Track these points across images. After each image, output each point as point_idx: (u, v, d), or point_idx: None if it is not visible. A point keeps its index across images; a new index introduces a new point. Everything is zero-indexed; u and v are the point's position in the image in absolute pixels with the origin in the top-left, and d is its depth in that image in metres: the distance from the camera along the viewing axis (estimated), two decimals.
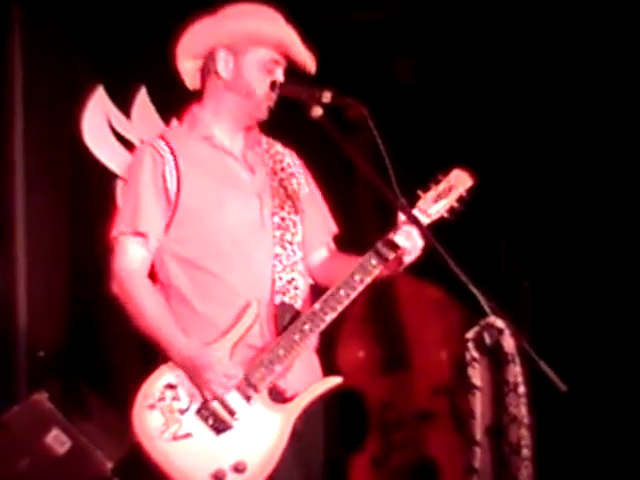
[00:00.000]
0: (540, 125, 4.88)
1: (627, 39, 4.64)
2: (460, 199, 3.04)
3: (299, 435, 3.00)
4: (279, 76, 3.10)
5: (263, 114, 3.11)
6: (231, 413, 2.93)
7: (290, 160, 3.24)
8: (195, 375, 2.93)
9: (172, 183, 3.03)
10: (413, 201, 3.00)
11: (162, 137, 3.11)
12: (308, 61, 3.13)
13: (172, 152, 3.05)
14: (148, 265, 3.06)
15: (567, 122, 4.83)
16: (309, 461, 3.10)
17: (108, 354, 4.88)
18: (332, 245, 3.28)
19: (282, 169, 3.19)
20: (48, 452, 4.09)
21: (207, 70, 3.13)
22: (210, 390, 2.92)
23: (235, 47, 3.08)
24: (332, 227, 3.30)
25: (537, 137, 4.90)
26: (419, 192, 3.02)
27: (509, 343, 3.63)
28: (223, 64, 3.09)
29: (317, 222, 3.23)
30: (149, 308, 2.99)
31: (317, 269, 3.22)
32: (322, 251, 3.24)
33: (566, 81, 4.80)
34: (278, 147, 3.25)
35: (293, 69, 3.16)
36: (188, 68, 3.16)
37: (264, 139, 3.23)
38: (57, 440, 4.09)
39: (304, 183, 3.23)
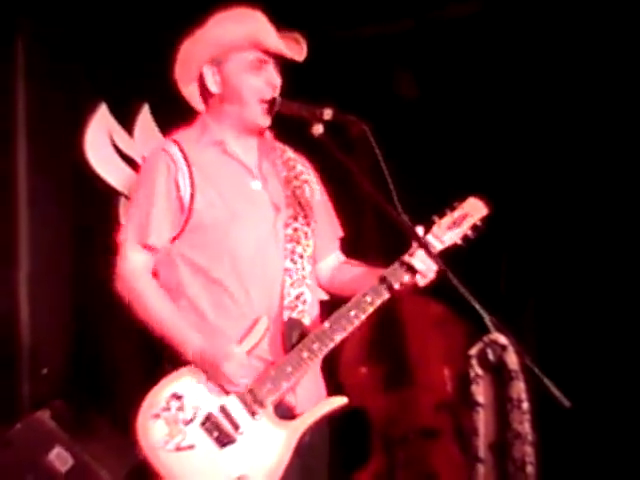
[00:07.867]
0: (542, 140, 4.88)
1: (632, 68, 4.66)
2: (474, 227, 3.03)
3: (306, 452, 2.99)
4: (270, 74, 3.07)
5: (262, 119, 3.08)
6: (235, 427, 2.91)
7: (302, 166, 3.22)
8: (210, 368, 2.91)
9: (185, 191, 3.01)
10: (416, 220, 2.99)
11: (175, 141, 3.09)
12: (286, 52, 3.08)
13: (185, 158, 3.04)
14: (152, 266, 3.05)
15: (568, 136, 4.83)
16: (314, 478, 3.08)
17: (112, 372, 4.87)
18: (339, 252, 3.28)
19: (295, 177, 3.17)
20: (50, 470, 4.08)
21: (202, 90, 3.13)
22: (228, 382, 2.89)
23: (217, 59, 3.07)
24: (339, 232, 3.30)
25: (538, 154, 4.90)
26: (434, 218, 3.01)
27: (512, 359, 3.62)
28: (211, 79, 3.09)
29: (327, 229, 3.23)
30: (158, 305, 2.99)
31: (326, 277, 3.23)
32: (331, 258, 3.25)
33: (566, 96, 4.80)
34: (290, 153, 3.23)
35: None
36: (189, 94, 3.17)
37: (277, 144, 3.20)
38: (59, 458, 4.08)
39: (316, 189, 3.22)
